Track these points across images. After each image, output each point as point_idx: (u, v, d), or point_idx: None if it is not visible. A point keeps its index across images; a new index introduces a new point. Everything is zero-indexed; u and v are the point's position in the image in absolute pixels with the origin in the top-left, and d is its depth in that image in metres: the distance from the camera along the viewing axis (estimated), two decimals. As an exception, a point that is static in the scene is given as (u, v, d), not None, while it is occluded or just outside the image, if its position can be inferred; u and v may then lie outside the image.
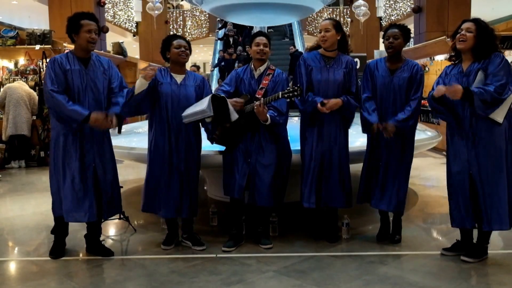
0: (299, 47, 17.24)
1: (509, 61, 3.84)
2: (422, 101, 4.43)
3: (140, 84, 3.96)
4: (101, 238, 4.25)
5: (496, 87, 3.61)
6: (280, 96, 4.00)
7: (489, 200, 3.74)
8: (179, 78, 4.20)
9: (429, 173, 7.90)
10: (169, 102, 4.12)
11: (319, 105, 4.11)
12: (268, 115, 4.05)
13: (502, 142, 3.74)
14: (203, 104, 3.95)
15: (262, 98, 4.06)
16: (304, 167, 4.34)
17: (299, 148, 4.41)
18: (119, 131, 4.23)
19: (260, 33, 4.37)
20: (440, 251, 4.06)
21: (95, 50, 4.12)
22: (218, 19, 17.28)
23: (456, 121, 3.84)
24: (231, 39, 15.38)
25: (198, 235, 4.34)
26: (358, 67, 9.05)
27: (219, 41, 17.21)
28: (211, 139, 4.26)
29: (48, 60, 8.50)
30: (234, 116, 4.02)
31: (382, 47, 4.39)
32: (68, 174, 3.92)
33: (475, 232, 3.95)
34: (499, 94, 3.61)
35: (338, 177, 4.28)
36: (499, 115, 3.70)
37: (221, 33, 17.13)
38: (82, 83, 3.93)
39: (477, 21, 3.79)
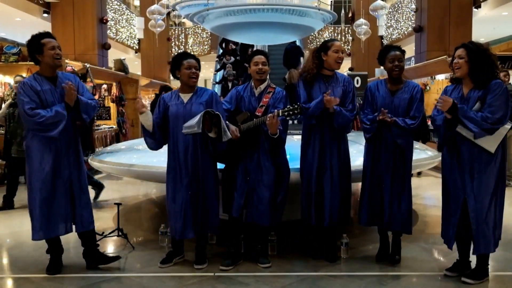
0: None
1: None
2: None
3: (142, 119, 4.12)
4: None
5: (486, 116, 3.64)
6: (280, 114, 4.00)
7: (479, 226, 3.75)
8: (186, 97, 4.21)
9: (429, 193, 7.87)
10: (175, 122, 4.14)
11: (325, 95, 4.10)
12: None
13: (495, 170, 3.76)
14: (195, 119, 3.96)
15: (276, 110, 4.06)
16: (303, 182, 4.33)
17: (298, 166, 4.40)
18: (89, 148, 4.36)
19: (258, 52, 4.39)
20: (442, 272, 4.04)
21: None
22: (216, 59, 15.43)
23: (454, 147, 3.88)
24: (229, 83, 13.42)
25: (205, 254, 4.32)
26: (359, 85, 9.09)
27: (216, 85, 14.97)
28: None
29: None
30: (227, 136, 4.00)
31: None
32: (44, 191, 3.96)
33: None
34: (489, 122, 3.63)
35: (338, 193, 4.27)
36: (491, 146, 3.73)
37: (219, 75, 14.96)
38: (54, 101, 3.97)
39: (466, 46, 3.81)
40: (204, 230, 4.24)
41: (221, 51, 14.44)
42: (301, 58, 13.45)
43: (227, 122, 4.17)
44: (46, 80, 4.00)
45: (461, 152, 3.82)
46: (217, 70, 15.28)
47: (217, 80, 15.12)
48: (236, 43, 13.55)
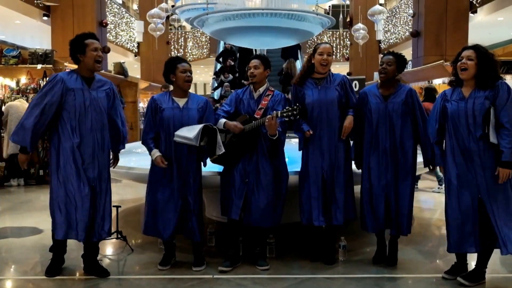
0: (299, 65, 17.11)
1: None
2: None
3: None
4: (98, 258, 4.25)
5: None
6: (279, 116, 4.04)
7: (504, 224, 3.69)
8: (181, 101, 4.23)
9: (426, 196, 7.91)
10: (171, 127, 4.15)
11: (306, 133, 4.20)
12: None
13: None
14: (193, 132, 3.98)
15: (274, 111, 4.10)
16: (305, 184, 4.32)
17: (296, 169, 4.43)
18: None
19: (252, 57, 4.45)
20: (438, 274, 4.07)
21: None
22: (213, 77, 15.05)
23: (461, 150, 3.83)
24: None
25: (203, 257, 4.34)
26: (357, 89, 9.16)
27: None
28: (211, 160, 4.32)
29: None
30: (220, 150, 4.08)
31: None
32: (68, 193, 3.95)
33: (470, 256, 3.95)
34: None
35: (337, 194, 4.27)
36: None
37: (216, 94, 14.31)
38: (86, 102, 3.98)
39: (477, 48, 3.80)
40: (187, 235, 4.23)
41: (218, 66, 14.00)
42: (299, 51, 13.43)
43: (226, 120, 4.23)
44: (82, 80, 4.02)
45: (472, 153, 3.76)
46: (214, 89, 14.75)
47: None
48: (234, 59, 13.29)
